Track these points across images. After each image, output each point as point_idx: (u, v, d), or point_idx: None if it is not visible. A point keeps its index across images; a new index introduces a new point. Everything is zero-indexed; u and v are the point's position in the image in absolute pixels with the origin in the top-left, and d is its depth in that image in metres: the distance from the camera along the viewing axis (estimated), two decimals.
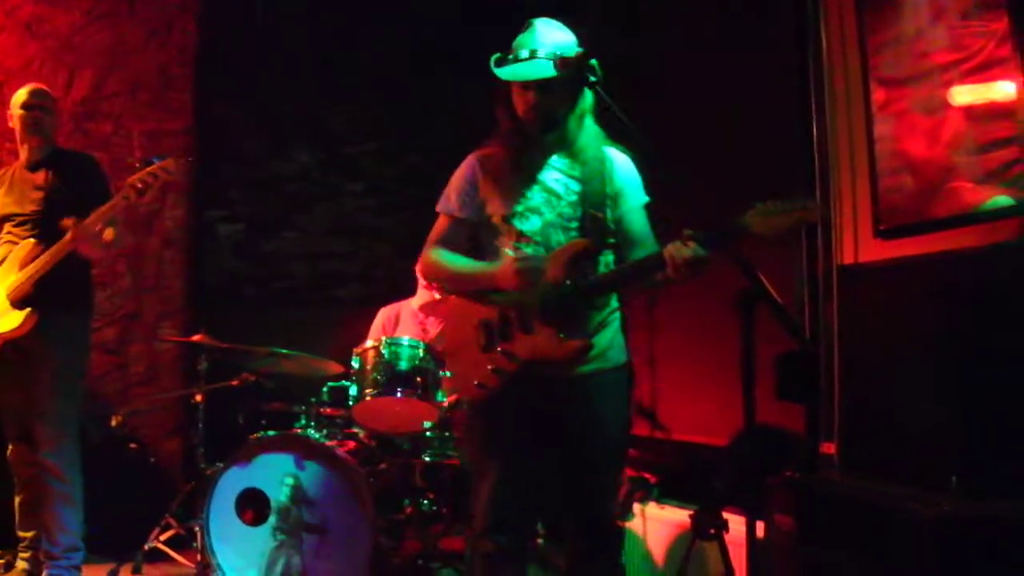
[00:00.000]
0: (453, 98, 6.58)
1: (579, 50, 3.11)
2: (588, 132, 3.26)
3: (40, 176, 4.60)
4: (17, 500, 4.62)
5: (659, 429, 5.46)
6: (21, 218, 4.55)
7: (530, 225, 3.19)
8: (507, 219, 3.22)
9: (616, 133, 3.25)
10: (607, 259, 3.25)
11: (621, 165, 3.29)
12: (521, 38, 3.19)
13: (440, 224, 3.39)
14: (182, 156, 4.55)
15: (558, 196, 3.20)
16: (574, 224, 3.18)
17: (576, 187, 3.21)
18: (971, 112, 4.04)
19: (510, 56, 3.14)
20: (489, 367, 3.12)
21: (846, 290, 4.54)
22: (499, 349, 3.11)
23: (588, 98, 3.21)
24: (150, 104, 6.42)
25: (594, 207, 3.17)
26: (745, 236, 2.74)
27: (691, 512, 4.02)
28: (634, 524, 4.69)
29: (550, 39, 3.15)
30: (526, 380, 3.10)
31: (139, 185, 4.36)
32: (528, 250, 3.17)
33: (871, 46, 4.51)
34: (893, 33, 4.40)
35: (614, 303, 3.30)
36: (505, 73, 3.13)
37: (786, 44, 4.92)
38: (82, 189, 4.59)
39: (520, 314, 3.09)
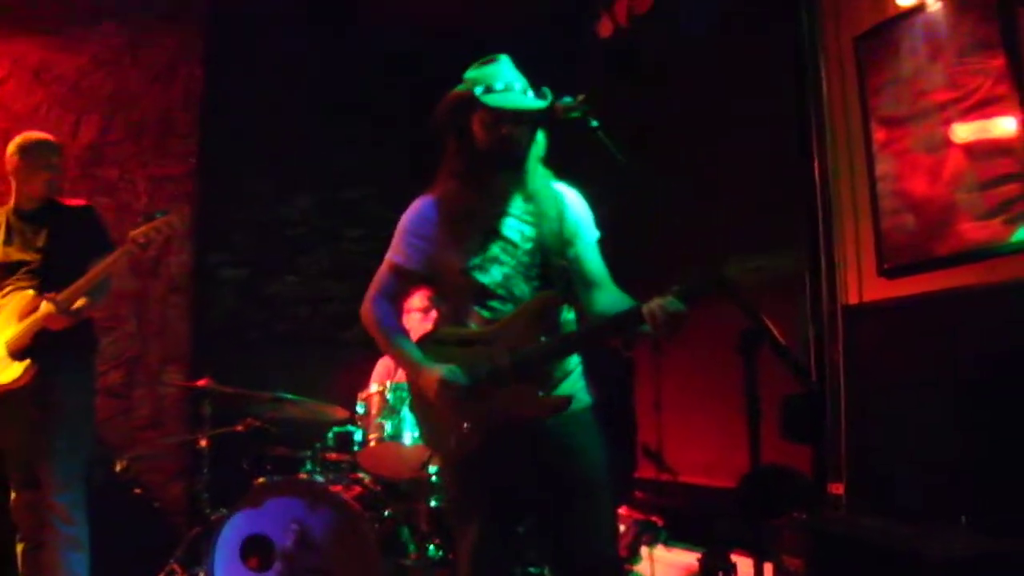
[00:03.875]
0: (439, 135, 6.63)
1: (580, 95, 3.03)
2: (539, 173, 3.18)
3: (40, 230, 4.60)
4: (20, 548, 4.58)
5: (666, 471, 5.45)
6: (25, 267, 4.55)
7: (491, 277, 3.10)
8: (466, 272, 3.10)
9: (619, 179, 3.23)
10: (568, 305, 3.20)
11: (572, 203, 3.22)
12: (492, 70, 3.09)
13: (384, 272, 3.27)
14: (183, 207, 4.53)
15: (515, 244, 3.12)
16: (534, 272, 3.12)
17: (531, 232, 3.13)
18: (971, 149, 4.07)
19: (498, 87, 3.03)
20: (464, 426, 3.03)
21: (851, 330, 4.55)
22: (475, 407, 3.02)
23: (542, 139, 3.15)
24: (154, 149, 6.44)
25: (552, 253, 3.11)
26: (721, 291, 2.71)
27: (699, 555, 4.01)
28: (642, 567, 4.66)
29: (519, 75, 3.10)
30: (506, 435, 3.02)
31: (142, 240, 4.36)
32: (494, 303, 3.09)
33: (871, 87, 4.55)
34: (892, 73, 4.43)
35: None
36: (506, 101, 3.01)
37: (787, 86, 4.95)
38: (82, 241, 4.60)
39: (493, 369, 3.01)
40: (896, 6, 4.39)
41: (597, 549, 3.11)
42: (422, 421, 3.37)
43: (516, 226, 3.15)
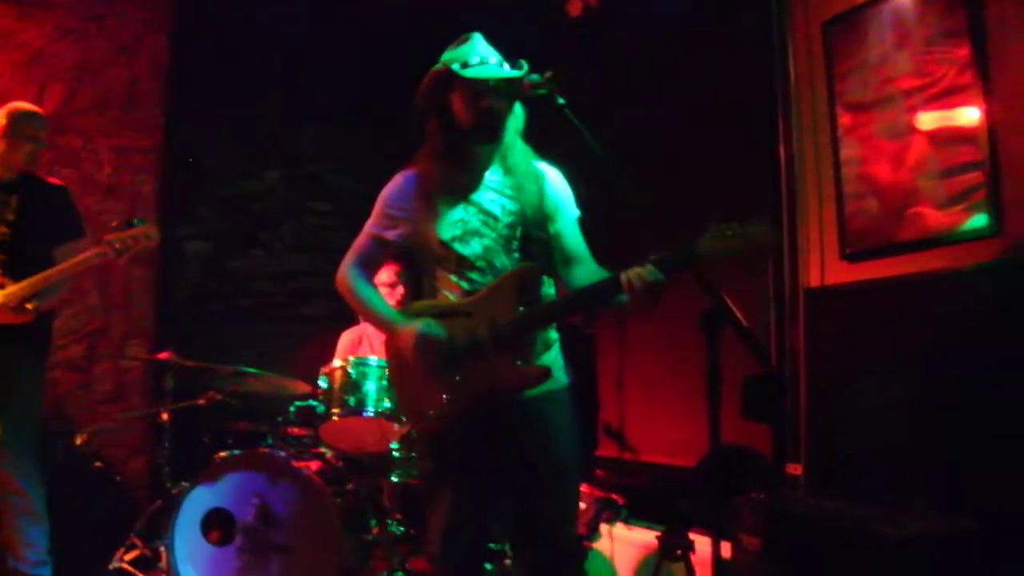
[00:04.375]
0: (419, 116, 6.61)
1: (548, 72, 3.03)
2: (519, 149, 3.22)
3: (12, 201, 4.54)
4: None
5: (627, 450, 5.48)
6: None
7: (471, 249, 3.13)
8: (446, 244, 3.14)
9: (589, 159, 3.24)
10: (549, 278, 3.21)
11: (553, 180, 3.25)
12: (467, 47, 3.12)
13: (363, 241, 3.32)
14: (155, 224, 4.47)
15: (495, 217, 3.15)
16: (515, 244, 3.14)
17: (512, 206, 3.15)
18: (935, 137, 4.10)
19: (473, 61, 3.06)
20: (444, 396, 3.05)
21: (812, 312, 4.58)
22: (455, 377, 3.04)
23: (520, 113, 3.19)
24: (119, 120, 6.38)
25: (533, 227, 3.14)
26: (700, 260, 2.73)
27: (658, 533, 4.04)
28: (602, 544, 4.69)
29: (492, 50, 3.14)
30: (484, 407, 3.05)
31: (118, 245, 4.32)
32: (473, 275, 3.12)
33: (838, 72, 4.57)
34: (859, 59, 4.46)
35: (554, 325, 3.25)
36: (483, 72, 3.04)
37: (755, 69, 4.97)
38: (53, 221, 4.55)
39: (472, 341, 3.03)
40: None
41: (562, 532, 3.18)
42: (400, 390, 3.38)
43: (497, 200, 3.18)
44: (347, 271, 3.30)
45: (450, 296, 3.16)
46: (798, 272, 4.67)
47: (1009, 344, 3.66)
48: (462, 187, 3.19)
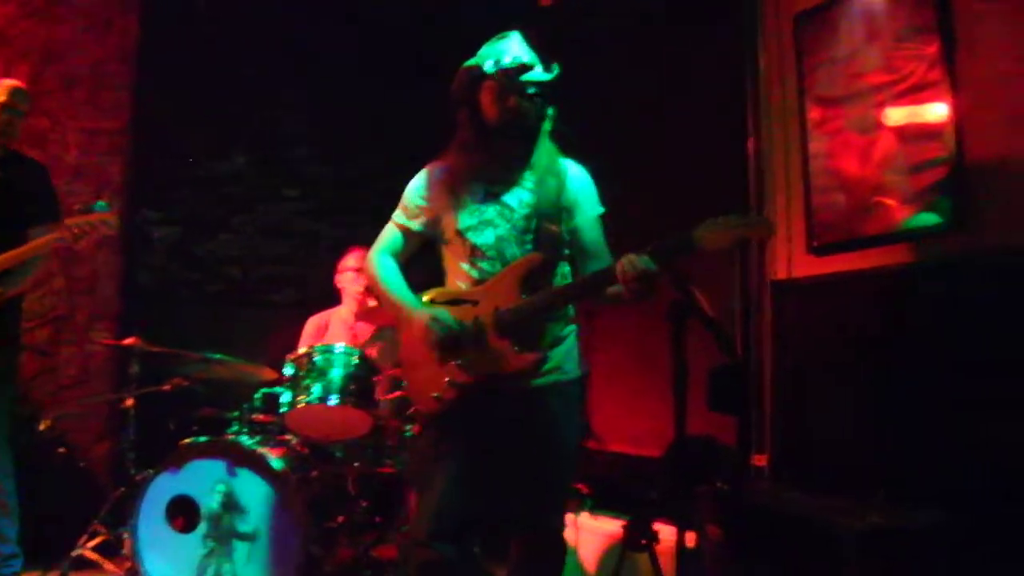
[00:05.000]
0: (393, 104, 6.60)
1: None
2: (545, 146, 3.28)
3: None
4: None
5: (593, 439, 5.49)
6: None
7: (484, 239, 3.20)
8: (461, 232, 3.22)
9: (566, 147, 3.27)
10: (563, 271, 3.26)
11: (575, 176, 3.31)
12: (502, 45, 3.22)
13: (389, 230, 3.41)
14: (116, 211, 4.41)
15: (511, 209, 3.21)
16: (528, 237, 3.19)
17: (529, 199, 3.21)
18: (903, 132, 4.14)
19: (505, 61, 3.14)
20: (445, 379, 3.13)
21: (779, 305, 4.61)
22: (456, 362, 3.11)
23: (551, 114, 3.24)
24: (87, 101, 6.31)
25: (547, 219, 3.19)
26: (694, 249, 2.78)
27: (623, 523, 4.05)
28: (567, 534, 4.69)
29: (529, 50, 3.21)
30: (483, 392, 3.11)
31: (75, 230, 4.27)
32: (484, 264, 3.19)
33: (808, 65, 4.59)
34: (829, 53, 4.48)
35: (570, 315, 3.31)
36: (512, 71, 3.12)
37: (724, 61, 4.98)
38: (31, 201, 4.50)
39: (475, 326, 3.11)
40: None
41: (549, 525, 3.29)
42: (407, 373, 3.44)
43: (516, 193, 3.24)
44: (373, 258, 3.39)
45: (461, 284, 3.26)
46: (765, 264, 4.70)
47: (972, 338, 3.70)
48: (485, 180, 3.26)
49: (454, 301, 3.21)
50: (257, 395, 5.09)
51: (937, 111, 3.98)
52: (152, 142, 6.52)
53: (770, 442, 4.54)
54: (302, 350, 4.91)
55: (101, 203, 4.38)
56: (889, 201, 4.15)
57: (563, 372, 3.21)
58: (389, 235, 3.40)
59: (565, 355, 3.23)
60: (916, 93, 4.08)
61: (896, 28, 4.18)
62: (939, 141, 3.95)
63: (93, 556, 4.91)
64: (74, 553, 4.90)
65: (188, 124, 6.69)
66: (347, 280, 5.60)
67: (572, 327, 3.30)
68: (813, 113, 4.56)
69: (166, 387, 5.16)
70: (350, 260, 5.56)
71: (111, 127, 6.35)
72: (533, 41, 3.24)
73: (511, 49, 3.20)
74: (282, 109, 6.97)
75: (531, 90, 3.11)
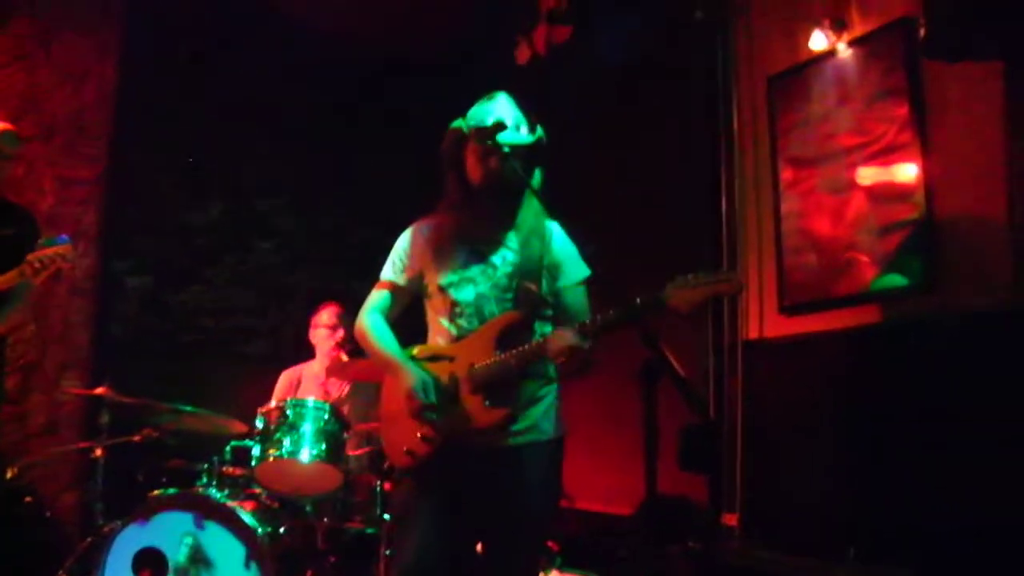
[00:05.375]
0: (367, 155, 6.63)
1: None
2: (531, 206, 3.28)
3: None
4: None
5: (563, 497, 5.47)
6: None
7: (464, 295, 3.20)
8: (442, 288, 3.23)
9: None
10: (543, 331, 3.21)
11: (560, 240, 3.31)
12: (488, 106, 3.24)
13: (377, 287, 3.41)
14: (71, 245, 4.37)
15: (494, 267, 3.21)
16: (509, 295, 3.20)
17: (513, 258, 3.22)
18: (874, 193, 4.19)
19: (488, 123, 3.13)
20: (418, 435, 3.12)
21: (750, 364, 4.63)
22: (428, 417, 3.09)
23: (538, 175, 3.26)
24: (63, 149, 6.30)
25: (528, 278, 3.19)
26: (664, 309, 2.77)
27: None
28: None
29: (515, 112, 3.24)
30: (457, 448, 3.09)
31: (36, 265, 4.24)
32: (462, 321, 3.19)
33: (781, 127, 4.66)
34: (802, 115, 4.55)
35: (551, 376, 3.27)
36: (505, 139, 3.11)
37: (698, 122, 5.04)
38: (17, 246, 4.48)
39: (450, 382, 3.12)
40: (809, 50, 4.51)
41: None
42: (384, 427, 3.41)
43: (500, 252, 3.24)
44: (364, 316, 3.39)
45: (441, 340, 3.25)
46: (737, 324, 4.72)
47: (942, 397, 3.72)
48: (470, 238, 3.26)
49: (434, 357, 3.21)
50: (227, 448, 5.04)
51: (907, 172, 4.04)
52: (127, 191, 6.52)
53: (741, 501, 4.53)
54: (274, 403, 4.88)
55: (63, 237, 4.34)
56: (860, 261, 4.19)
57: (540, 432, 3.18)
58: (377, 293, 3.41)
59: (542, 415, 3.20)
60: (887, 155, 4.14)
61: (868, 91, 4.25)
62: (909, 202, 4.01)
63: None
64: None
65: (163, 174, 6.70)
66: (320, 336, 5.59)
67: (552, 387, 3.27)
68: (786, 173, 4.61)
69: (136, 438, 5.10)
70: (323, 316, 5.56)
71: (87, 176, 6.35)
72: (521, 102, 3.26)
73: (496, 110, 3.21)
74: (256, 160, 6.99)
75: (506, 150, 3.10)
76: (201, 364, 6.58)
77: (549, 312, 3.25)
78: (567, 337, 2.84)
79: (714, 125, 4.96)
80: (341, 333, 5.56)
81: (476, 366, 3.08)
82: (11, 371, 5.98)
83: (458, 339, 3.19)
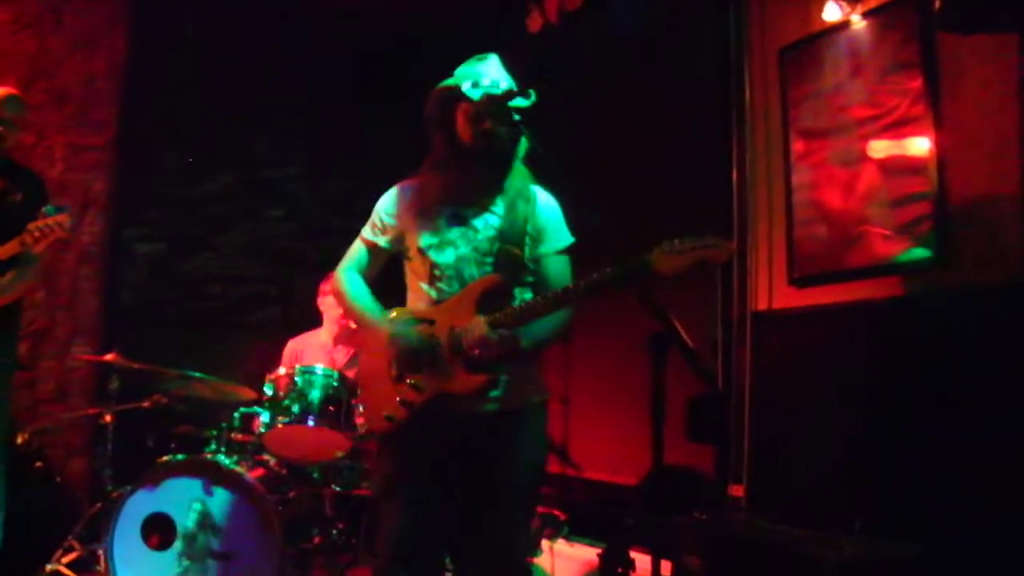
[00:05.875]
0: (378, 125, 6.61)
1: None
2: (518, 170, 3.25)
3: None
4: None
5: (571, 467, 5.49)
6: None
7: (444, 258, 3.16)
8: (422, 251, 3.19)
9: (541, 176, 3.26)
10: (524, 296, 3.20)
11: (545, 205, 3.28)
12: (481, 67, 3.21)
13: (357, 246, 3.40)
14: (69, 214, 4.36)
15: (475, 230, 3.18)
16: (489, 259, 3.16)
17: (495, 222, 3.19)
18: (886, 166, 4.16)
19: (483, 83, 3.13)
20: (397, 399, 3.10)
21: (759, 336, 4.63)
22: (408, 381, 3.09)
23: (526, 139, 3.21)
24: (74, 116, 6.31)
25: (510, 243, 3.16)
26: (650, 274, 2.75)
27: (599, 550, 4.05)
28: (542, 560, 4.69)
29: (507, 75, 3.21)
30: (437, 414, 3.07)
31: (36, 234, 4.23)
32: (442, 284, 3.17)
33: (792, 98, 4.63)
34: (814, 86, 4.52)
35: None
36: (489, 95, 3.10)
37: (711, 93, 5.02)
38: (26, 211, 4.48)
39: (430, 347, 3.07)
40: (822, 21, 4.47)
41: (506, 550, 3.16)
42: (363, 392, 3.44)
43: (482, 215, 3.21)
44: (340, 272, 3.39)
45: (420, 304, 3.22)
46: (746, 296, 4.71)
47: (950, 371, 3.72)
48: (454, 200, 3.22)
49: (413, 321, 3.17)
50: (236, 414, 5.07)
51: (920, 146, 4.02)
52: (137, 159, 6.52)
53: (748, 473, 4.54)
54: (282, 370, 4.90)
55: (51, 208, 4.33)
56: (871, 234, 4.17)
57: (521, 398, 3.16)
58: (356, 251, 3.40)
59: (522, 379, 3.17)
60: (900, 127, 4.11)
61: (881, 63, 4.21)
62: (922, 175, 3.98)
63: (67, 572, 4.87)
64: (48, 568, 4.86)
65: (173, 142, 6.69)
66: (328, 304, 5.59)
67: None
68: (797, 145, 4.59)
69: (145, 404, 5.14)
70: (332, 283, 5.57)
71: (97, 143, 6.36)
72: (511, 65, 3.23)
73: (489, 72, 3.19)
74: (267, 128, 6.98)
75: (516, 116, 3.09)
76: (210, 331, 6.61)
77: (530, 279, 3.23)
78: (480, 327, 2.89)
79: (725, 96, 4.93)
80: None
81: (456, 329, 3.05)
82: (21, 337, 6.01)
83: (438, 302, 3.16)
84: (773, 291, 4.62)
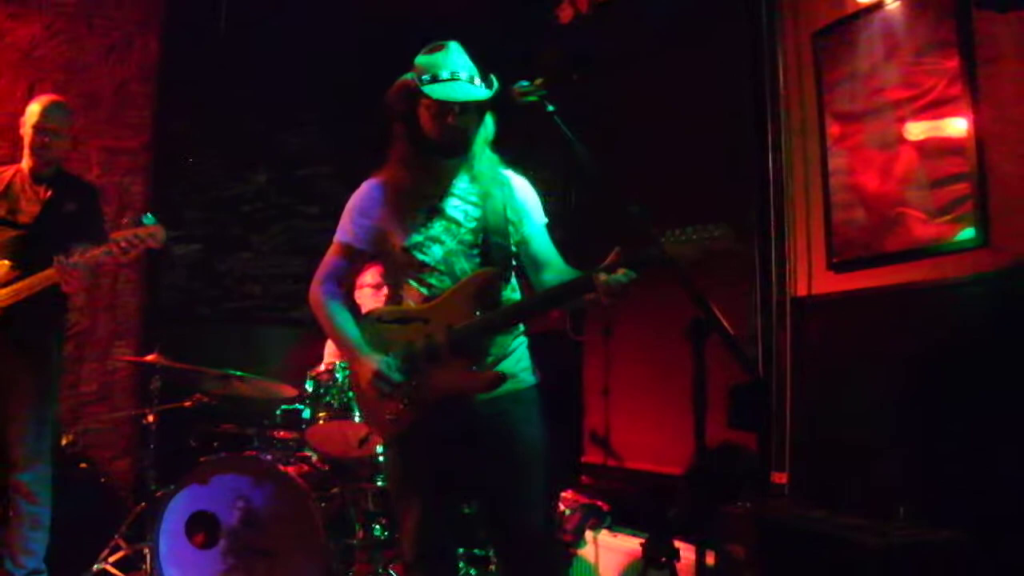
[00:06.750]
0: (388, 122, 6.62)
1: (537, 79, 3.01)
2: (486, 157, 3.22)
3: (41, 194, 4.57)
4: None
5: (612, 457, 5.48)
6: (8, 230, 4.50)
7: (431, 255, 3.12)
8: (407, 249, 3.13)
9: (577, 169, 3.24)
10: (512, 283, 3.20)
11: (520, 187, 3.26)
12: (440, 58, 3.09)
13: (333, 253, 3.30)
14: (161, 225, 4.43)
15: (458, 223, 3.14)
16: (476, 251, 3.14)
17: (476, 213, 3.16)
18: (923, 148, 4.12)
19: (443, 76, 3.03)
20: (399, 405, 3.07)
21: (799, 322, 4.59)
22: (412, 384, 3.05)
23: (491, 124, 3.19)
24: (108, 120, 6.38)
25: (495, 233, 3.13)
26: (661, 262, 2.72)
27: (642, 540, 4.03)
28: (586, 551, 4.69)
29: (467, 63, 3.12)
30: (439, 411, 3.05)
31: (123, 244, 4.29)
32: (432, 281, 3.12)
33: (827, 82, 4.59)
34: (848, 69, 4.47)
35: (521, 326, 3.23)
36: (450, 92, 3.02)
37: (745, 78, 4.98)
38: (79, 221, 4.55)
39: (429, 346, 3.04)
40: (855, 3, 4.43)
41: (531, 527, 3.13)
42: (360, 399, 3.39)
43: (460, 206, 3.17)
44: (318, 289, 3.29)
45: (410, 302, 3.16)
46: (785, 281, 4.68)
47: (994, 355, 3.67)
48: (427, 194, 3.18)
49: (404, 319, 3.13)
50: (278, 411, 5.10)
51: (958, 126, 3.97)
52: (173, 161, 6.57)
53: (790, 459, 4.51)
54: (323, 367, 4.92)
55: (150, 217, 4.41)
56: (910, 216, 4.13)
57: (518, 381, 3.14)
58: (332, 258, 3.30)
59: (516, 364, 3.16)
60: (936, 108, 4.06)
61: (916, 43, 4.17)
62: (961, 156, 3.93)
63: (114, 571, 4.93)
64: (95, 567, 4.93)
65: (208, 143, 6.73)
66: (365, 296, 5.59)
67: (522, 339, 3.23)
68: (833, 129, 4.55)
69: (187, 403, 5.19)
70: (368, 276, 5.56)
71: (132, 146, 6.42)
72: (472, 52, 3.16)
73: (449, 63, 3.09)
74: (301, 127, 7.00)
75: (468, 108, 3.05)
76: (250, 330, 6.65)
77: (514, 263, 3.20)
78: (624, 278, 2.77)
79: (759, 82, 4.89)
80: (386, 291, 5.57)
81: (455, 327, 3.02)
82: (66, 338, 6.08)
83: (429, 299, 3.11)
84: (812, 276, 4.58)
